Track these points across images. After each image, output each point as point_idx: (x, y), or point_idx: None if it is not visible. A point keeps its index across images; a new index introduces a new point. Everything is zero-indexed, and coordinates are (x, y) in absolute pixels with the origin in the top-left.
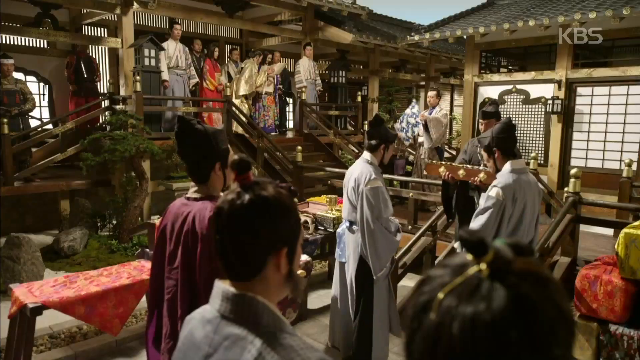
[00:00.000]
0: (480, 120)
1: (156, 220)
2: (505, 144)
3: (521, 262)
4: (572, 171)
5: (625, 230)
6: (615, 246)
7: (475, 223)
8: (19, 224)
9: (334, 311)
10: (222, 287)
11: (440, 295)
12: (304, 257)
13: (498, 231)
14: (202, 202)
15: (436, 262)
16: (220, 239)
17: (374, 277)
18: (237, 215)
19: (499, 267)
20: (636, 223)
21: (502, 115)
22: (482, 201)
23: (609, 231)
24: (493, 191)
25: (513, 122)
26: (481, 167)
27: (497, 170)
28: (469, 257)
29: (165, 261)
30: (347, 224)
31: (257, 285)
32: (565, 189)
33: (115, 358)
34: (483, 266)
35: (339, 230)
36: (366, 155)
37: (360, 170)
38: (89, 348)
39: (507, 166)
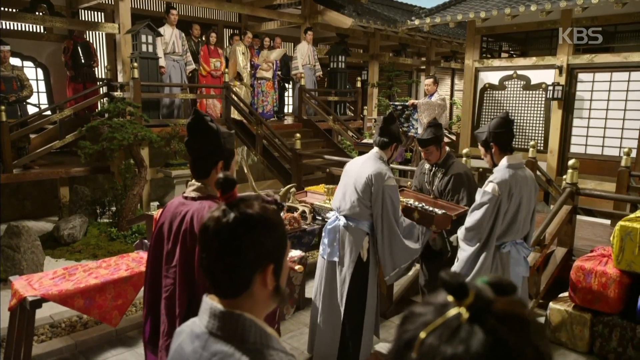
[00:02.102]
0: (419, 149)
1: (154, 211)
2: (503, 138)
3: (502, 303)
4: (570, 162)
5: (620, 222)
6: (611, 238)
7: (471, 218)
8: (19, 210)
9: (316, 317)
10: (209, 303)
11: (422, 334)
12: (299, 252)
13: (493, 226)
14: (200, 201)
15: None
16: (207, 257)
17: (386, 278)
18: (223, 234)
19: (478, 310)
20: (632, 215)
21: (502, 109)
22: (478, 196)
23: (607, 219)
24: (489, 187)
25: (510, 116)
26: (418, 205)
27: (494, 165)
28: (450, 298)
29: (163, 260)
30: (344, 220)
31: (244, 302)
32: (564, 176)
33: (115, 347)
34: (462, 310)
35: (329, 226)
36: (378, 151)
37: (374, 167)
38: (89, 338)
39: (504, 161)
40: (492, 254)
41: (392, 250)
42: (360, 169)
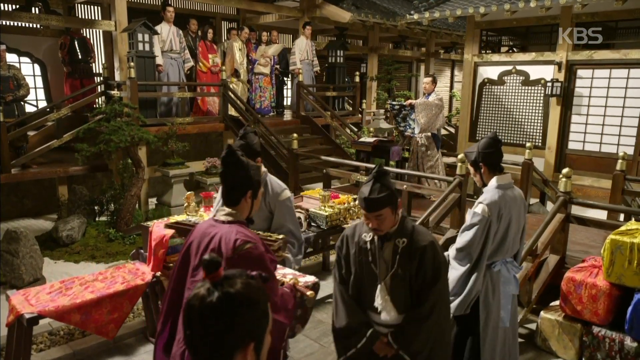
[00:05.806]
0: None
1: (150, 223)
2: (492, 158)
3: None
4: (564, 171)
5: (611, 236)
6: (602, 251)
7: (462, 239)
8: (18, 208)
9: None
10: None
11: None
12: (313, 278)
13: (484, 247)
14: (229, 225)
15: None
16: (191, 335)
17: None
18: (206, 314)
19: None
20: (623, 228)
21: (501, 104)
22: (468, 217)
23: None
24: (479, 208)
25: (499, 137)
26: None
27: (484, 184)
28: None
29: (188, 274)
30: None
31: None
32: (560, 174)
33: (112, 356)
34: None
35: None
36: None
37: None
38: (87, 346)
39: (493, 182)
40: (482, 273)
41: None
42: None
